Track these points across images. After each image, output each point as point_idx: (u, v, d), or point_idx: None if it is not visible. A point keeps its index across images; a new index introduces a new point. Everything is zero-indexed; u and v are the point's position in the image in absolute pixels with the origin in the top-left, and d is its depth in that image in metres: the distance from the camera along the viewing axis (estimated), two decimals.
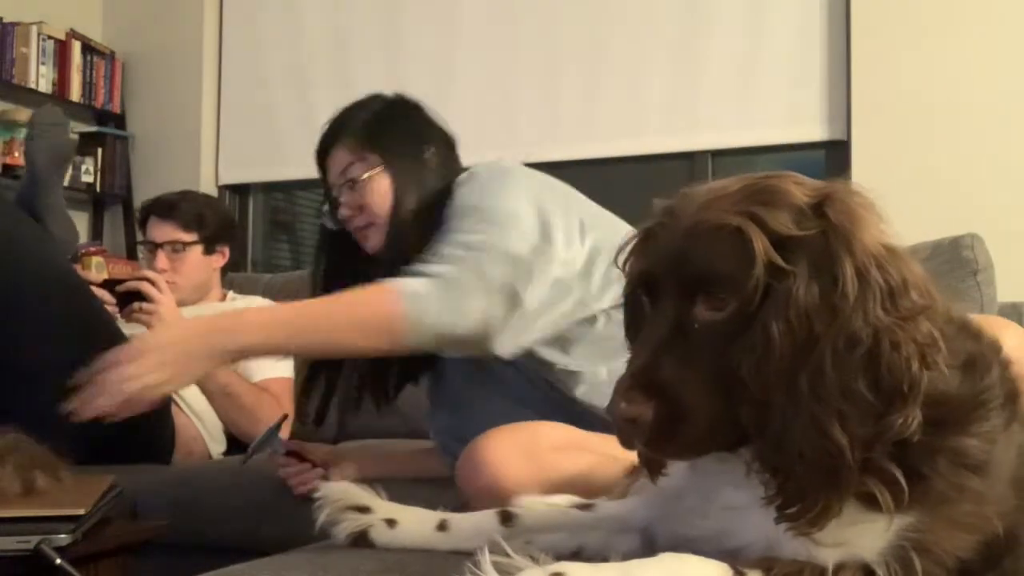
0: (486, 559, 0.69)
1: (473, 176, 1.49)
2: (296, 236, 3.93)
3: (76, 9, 3.85)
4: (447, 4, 3.44)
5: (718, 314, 0.69)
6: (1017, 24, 2.72)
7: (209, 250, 2.45)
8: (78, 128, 3.78)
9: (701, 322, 0.69)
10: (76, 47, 3.71)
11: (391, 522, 0.90)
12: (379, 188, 1.53)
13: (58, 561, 1.08)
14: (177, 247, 2.40)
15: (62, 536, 1.13)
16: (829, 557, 0.68)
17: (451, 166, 1.63)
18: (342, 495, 0.92)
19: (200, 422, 2.17)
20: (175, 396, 2.13)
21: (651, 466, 0.80)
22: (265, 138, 3.65)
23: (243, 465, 1.73)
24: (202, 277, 2.45)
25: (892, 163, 2.69)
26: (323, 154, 1.62)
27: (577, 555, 0.84)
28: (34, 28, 3.56)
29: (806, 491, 0.65)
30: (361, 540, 0.90)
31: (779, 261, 0.67)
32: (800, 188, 0.71)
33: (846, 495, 0.66)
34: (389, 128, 1.59)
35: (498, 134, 3.35)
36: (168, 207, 2.44)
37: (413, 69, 3.46)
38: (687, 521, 0.77)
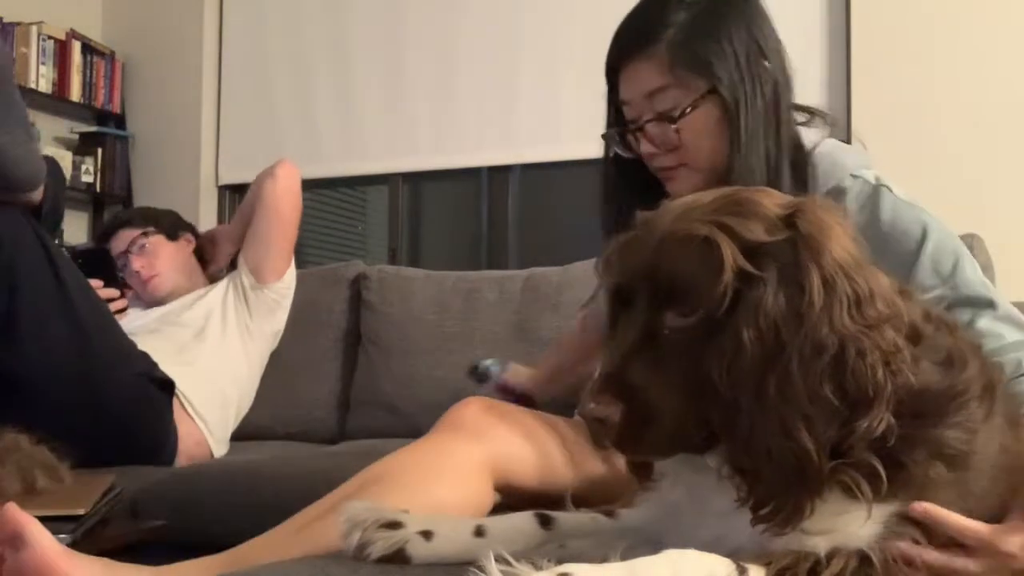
0: (492, 565, 0.69)
1: (881, 195, 1.17)
2: (297, 236, 3.93)
3: (76, 9, 3.85)
4: (447, 4, 3.44)
5: (686, 320, 0.71)
6: (1017, 25, 2.72)
7: (172, 236, 2.49)
8: (78, 128, 3.79)
9: (670, 328, 0.72)
10: (76, 47, 3.71)
11: (427, 534, 0.86)
12: (703, 124, 1.16)
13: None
14: (140, 242, 2.43)
15: (62, 536, 1.13)
16: (820, 546, 0.70)
17: (789, 103, 1.22)
18: (368, 513, 0.88)
19: (204, 425, 2.18)
20: (181, 399, 2.13)
21: (638, 473, 0.81)
22: (265, 138, 3.65)
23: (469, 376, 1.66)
24: (179, 260, 2.48)
25: (892, 163, 2.68)
26: (619, 60, 1.21)
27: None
28: (34, 28, 3.56)
29: (775, 493, 0.68)
30: (398, 557, 0.86)
31: (748, 267, 0.69)
32: (772, 200, 0.73)
33: (815, 496, 0.68)
34: (721, 35, 1.16)
35: (498, 134, 3.35)
36: (117, 222, 2.53)
37: (413, 69, 3.46)
38: (688, 532, 0.78)
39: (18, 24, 3.55)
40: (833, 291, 0.67)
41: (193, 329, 2.31)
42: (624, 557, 0.84)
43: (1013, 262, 2.08)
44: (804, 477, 0.67)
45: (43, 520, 1.16)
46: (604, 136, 1.32)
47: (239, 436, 2.36)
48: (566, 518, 0.88)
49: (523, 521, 0.88)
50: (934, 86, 2.77)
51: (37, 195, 1.88)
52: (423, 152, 3.47)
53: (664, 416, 0.71)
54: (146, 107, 3.87)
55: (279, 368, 2.49)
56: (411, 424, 2.22)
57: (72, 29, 3.70)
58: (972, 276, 1.13)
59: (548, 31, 3.29)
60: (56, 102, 3.67)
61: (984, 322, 1.08)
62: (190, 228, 2.59)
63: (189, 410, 2.15)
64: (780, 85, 1.19)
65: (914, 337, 0.72)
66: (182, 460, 2.08)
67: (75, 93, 3.70)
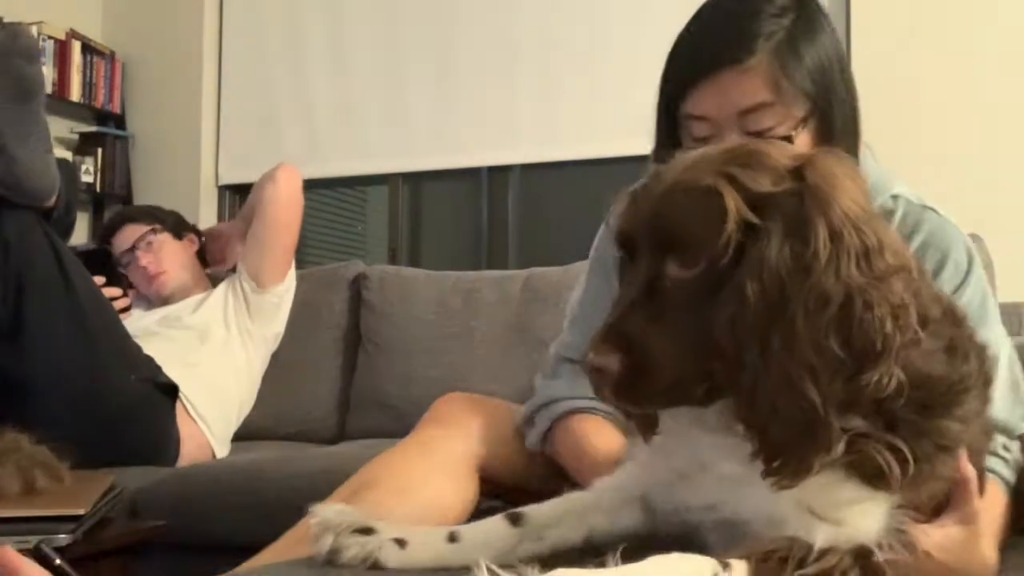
0: (483, 572, 0.69)
1: (926, 216, 1.09)
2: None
3: (76, 9, 3.85)
4: (447, 4, 3.44)
5: (689, 272, 0.70)
6: (1017, 25, 2.72)
7: (178, 235, 2.49)
8: (78, 128, 3.78)
9: (672, 280, 0.71)
10: (76, 47, 3.70)
11: (400, 542, 0.85)
12: (802, 146, 1.02)
13: (58, 561, 1.08)
14: (148, 237, 2.43)
15: (62, 536, 1.13)
16: (819, 536, 0.69)
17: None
18: (343, 518, 0.87)
19: (207, 427, 2.18)
20: (184, 402, 2.13)
21: (643, 426, 0.80)
22: (265, 138, 3.65)
23: None
24: (184, 259, 2.48)
25: (892, 163, 2.68)
26: (705, 70, 1.03)
27: (587, 542, 0.85)
28: (34, 28, 3.56)
29: (782, 447, 0.67)
30: (370, 563, 0.85)
31: (752, 218, 0.67)
32: (782, 152, 0.72)
33: (823, 450, 0.66)
34: (818, 40, 1.04)
35: (498, 134, 3.35)
36: (121, 217, 2.53)
37: (413, 69, 3.46)
38: (683, 488, 0.78)
39: (18, 24, 3.54)
40: (840, 242, 0.66)
41: (196, 332, 2.31)
42: (608, 528, 0.84)
43: (1013, 262, 2.08)
44: (811, 431, 0.65)
45: (43, 520, 1.16)
46: (658, 155, 1.10)
47: (239, 436, 2.36)
48: (536, 511, 0.86)
49: (495, 524, 0.86)
50: (935, 86, 2.77)
51: (50, 200, 1.90)
52: (423, 152, 3.47)
53: (664, 368, 0.70)
54: (146, 107, 3.87)
55: (279, 368, 2.49)
56: (411, 424, 2.20)
57: (72, 29, 3.70)
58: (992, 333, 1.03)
59: (547, 31, 3.29)
60: (56, 102, 3.66)
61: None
62: (193, 229, 2.60)
63: (192, 413, 2.15)
64: (856, 101, 1.10)
65: (922, 319, 0.70)
66: (184, 463, 2.08)
67: (75, 93, 3.70)
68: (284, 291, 2.46)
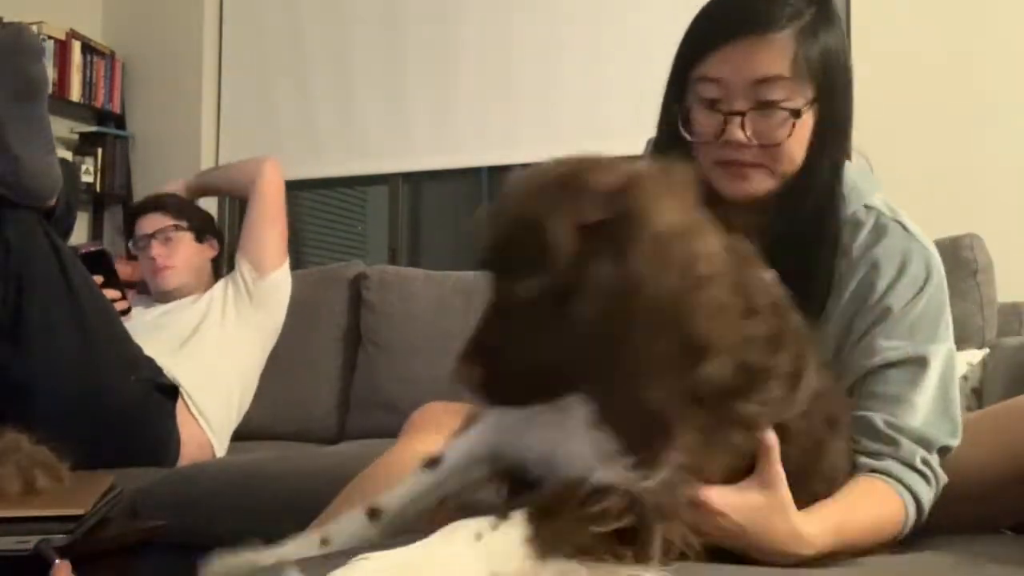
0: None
1: (888, 229, 1.12)
2: (297, 236, 3.93)
3: (76, 9, 3.84)
4: (447, 4, 3.44)
5: (531, 294, 0.77)
6: (1018, 25, 2.72)
7: (200, 238, 2.50)
8: (78, 128, 3.78)
9: (519, 299, 0.78)
10: (76, 47, 3.70)
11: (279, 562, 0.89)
12: (804, 131, 1.08)
13: (57, 561, 1.08)
14: (169, 232, 2.44)
15: (62, 536, 1.13)
16: (597, 477, 0.77)
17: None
18: (226, 567, 0.92)
19: (208, 425, 2.18)
20: (185, 398, 2.14)
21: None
22: (265, 139, 3.65)
23: None
24: (197, 263, 2.49)
25: (892, 163, 2.69)
26: (728, 33, 1.07)
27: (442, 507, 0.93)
28: (34, 28, 3.56)
29: (635, 446, 0.76)
30: None
31: (579, 246, 0.75)
32: (608, 174, 0.78)
33: (668, 446, 0.76)
34: (834, 36, 1.10)
35: (498, 134, 3.35)
36: (153, 202, 2.54)
37: (413, 69, 3.46)
38: (525, 438, 0.86)
39: (20, 24, 3.54)
40: (661, 259, 0.74)
41: (193, 326, 2.32)
42: (458, 490, 0.93)
43: (1013, 262, 2.08)
44: (656, 432, 0.75)
45: (43, 520, 1.16)
46: (667, 111, 1.17)
47: (239, 436, 2.36)
48: (390, 502, 0.93)
49: (355, 520, 0.92)
50: (934, 85, 2.77)
51: (51, 199, 1.90)
52: (423, 152, 3.47)
53: (516, 376, 0.78)
54: (146, 107, 3.87)
55: (279, 368, 2.49)
56: None
57: (72, 29, 3.70)
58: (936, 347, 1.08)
59: (547, 32, 3.29)
60: (56, 102, 3.66)
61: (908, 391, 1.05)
62: (218, 235, 2.61)
63: (192, 409, 2.16)
64: (852, 102, 1.14)
65: (748, 311, 0.80)
66: (184, 463, 2.08)
67: (75, 93, 3.70)
68: (283, 277, 2.50)
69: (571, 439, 0.79)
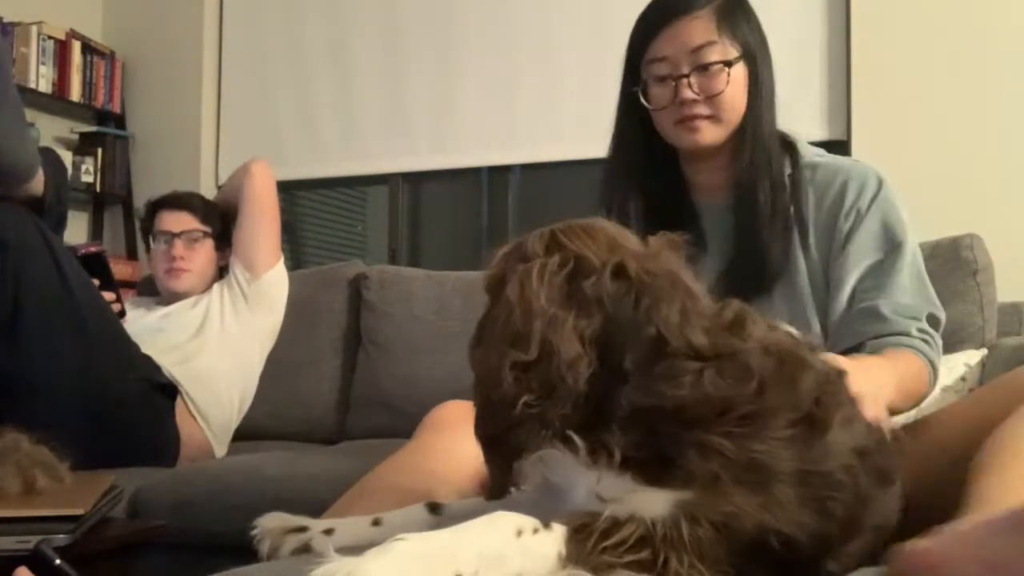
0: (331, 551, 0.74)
1: (884, 191, 1.38)
2: (297, 236, 3.93)
3: (76, 9, 3.85)
4: (447, 5, 3.44)
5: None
6: (1018, 24, 2.72)
7: (219, 247, 2.51)
8: (78, 128, 3.78)
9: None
10: (76, 47, 3.70)
11: (328, 531, 0.96)
12: (738, 82, 1.35)
13: (57, 561, 1.08)
14: (195, 235, 2.44)
15: (62, 536, 1.13)
16: (620, 511, 0.77)
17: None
18: (278, 522, 0.99)
19: (207, 425, 2.18)
20: (185, 399, 2.13)
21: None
22: (265, 139, 3.65)
23: None
24: (210, 271, 2.50)
25: (892, 163, 2.68)
26: (664, 20, 1.36)
27: None
28: (34, 28, 3.56)
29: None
30: (304, 552, 0.96)
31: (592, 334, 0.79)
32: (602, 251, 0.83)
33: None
34: (748, 16, 1.39)
35: (498, 134, 3.35)
36: (181, 199, 2.53)
37: (413, 69, 3.46)
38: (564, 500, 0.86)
39: (18, 24, 3.54)
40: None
41: (194, 328, 2.32)
42: None
43: (1013, 262, 2.08)
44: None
45: (43, 520, 1.16)
46: (625, 94, 1.46)
47: (239, 436, 2.36)
48: (454, 504, 0.97)
49: (415, 511, 0.97)
50: (934, 85, 2.77)
51: (38, 187, 1.86)
52: (423, 152, 3.47)
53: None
54: (146, 107, 3.87)
55: (279, 368, 2.49)
56: (411, 424, 2.20)
57: (72, 29, 3.70)
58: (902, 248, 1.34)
59: (548, 31, 3.29)
60: (56, 102, 3.67)
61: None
62: (230, 243, 2.59)
63: (192, 411, 2.16)
64: (774, 86, 1.41)
65: (702, 351, 0.79)
66: (184, 463, 2.08)
67: (75, 93, 3.70)
68: (277, 278, 2.49)
69: (578, 475, 0.80)
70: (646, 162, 1.44)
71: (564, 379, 0.77)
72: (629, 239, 0.87)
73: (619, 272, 0.81)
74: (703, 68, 1.33)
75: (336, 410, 2.52)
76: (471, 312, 2.41)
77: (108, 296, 2.30)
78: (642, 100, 1.38)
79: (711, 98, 1.34)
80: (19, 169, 1.78)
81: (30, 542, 1.10)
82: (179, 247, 2.43)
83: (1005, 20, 2.73)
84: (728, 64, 1.33)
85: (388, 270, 2.68)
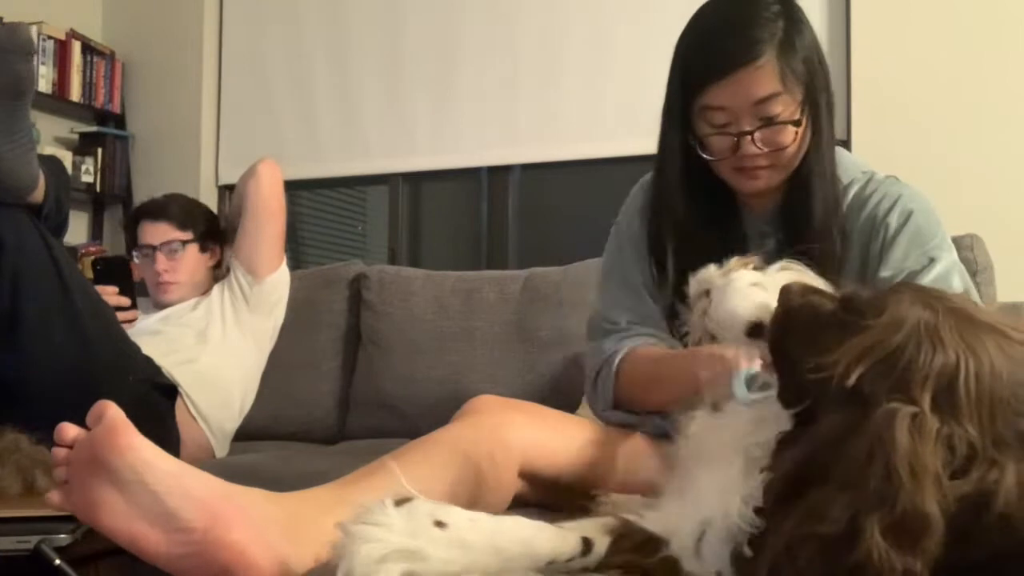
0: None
1: (915, 217, 1.32)
2: (297, 236, 3.93)
3: (76, 9, 3.85)
4: (447, 4, 3.44)
5: None
6: (1017, 24, 2.72)
7: (204, 248, 2.49)
8: (78, 128, 3.78)
9: None
10: (76, 47, 3.70)
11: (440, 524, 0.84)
12: (806, 129, 1.26)
13: (57, 561, 1.08)
14: (175, 246, 2.42)
15: (62, 536, 1.13)
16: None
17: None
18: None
19: (207, 427, 2.18)
20: (185, 400, 2.13)
21: None
22: (265, 139, 3.65)
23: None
24: (200, 275, 2.48)
25: (892, 163, 2.68)
26: (723, 71, 1.22)
27: None
28: (34, 28, 3.56)
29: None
30: None
31: None
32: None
33: None
34: (803, 38, 1.25)
35: (498, 134, 3.35)
36: (159, 208, 2.49)
37: (413, 70, 3.46)
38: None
39: (17, 23, 3.54)
40: None
41: (195, 330, 2.31)
42: None
43: (1013, 262, 2.08)
44: None
45: (42, 520, 1.16)
46: (667, 143, 1.34)
47: (239, 436, 2.36)
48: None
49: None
50: (934, 85, 2.77)
51: (38, 195, 1.88)
52: (423, 152, 3.47)
53: None
54: (146, 107, 3.87)
55: (279, 368, 2.49)
56: (411, 424, 2.21)
57: (72, 29, 3.70)
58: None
59: (548, 31, 3.29)
60: (56, 102, 3.67)
61: None
62: (220, 241, 2.57)
63: (193, 412, 2.15)
64: (831, 87, 1.30)
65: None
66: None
67: (75, 93, 3.70)
68: (280, 280, 2.48)
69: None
70: (690, 174, 1.35)
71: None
72: None
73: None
74: (768, 122, 1.23)
75: (336, 410, 2.52)
76: (471, 312, 2.43)
77: (123, 301, 2.30)
78: (699, 151, 1.29)
79: (776, 150, 1.26)
80: (23, 188, 1.82)
81: (30, 542, 1.10)
82: (161, 260, 2.42)
83: (1005, 20, 2.73)
84: (796, 124, 1.24)
85: (388, 270, 2.67)
